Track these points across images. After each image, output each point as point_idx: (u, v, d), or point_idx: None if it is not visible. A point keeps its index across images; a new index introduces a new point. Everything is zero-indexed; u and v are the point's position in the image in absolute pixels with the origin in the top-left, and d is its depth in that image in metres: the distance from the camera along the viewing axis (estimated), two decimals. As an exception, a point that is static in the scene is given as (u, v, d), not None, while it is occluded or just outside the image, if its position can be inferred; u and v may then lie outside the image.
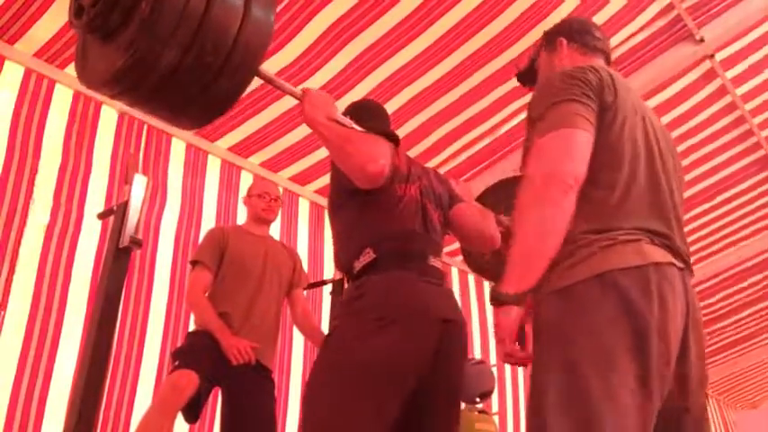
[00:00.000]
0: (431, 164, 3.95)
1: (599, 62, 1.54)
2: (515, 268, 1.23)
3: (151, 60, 1.28)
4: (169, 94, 1.39)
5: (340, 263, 1.82)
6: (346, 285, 1.78)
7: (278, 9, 2.81)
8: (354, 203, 1.74)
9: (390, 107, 3.48)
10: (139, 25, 1.26)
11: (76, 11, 1.37)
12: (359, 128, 1.86)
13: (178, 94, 1.40)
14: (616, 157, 1.29)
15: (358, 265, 1.68)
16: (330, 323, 1.72)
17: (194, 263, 2.67)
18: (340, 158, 1.70)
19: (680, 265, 1.26)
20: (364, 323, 1.56)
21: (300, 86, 3.13)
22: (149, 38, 1.26)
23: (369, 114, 2.00)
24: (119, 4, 1.28)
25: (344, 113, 2.04)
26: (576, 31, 1.60)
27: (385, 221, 1.70)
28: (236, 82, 1.43)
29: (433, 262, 1.69)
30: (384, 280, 1.61)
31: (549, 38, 1.65)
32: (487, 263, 2.65)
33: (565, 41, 1.59)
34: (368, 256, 1.66)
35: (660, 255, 1.23)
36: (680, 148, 4.32)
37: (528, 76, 1.71)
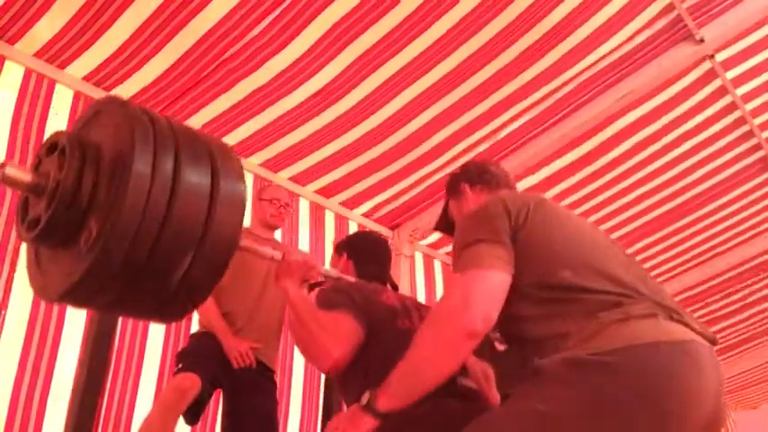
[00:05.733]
0: (433, 165, 3.95)
1: (504, 192, 1.60)
2: (390, 388, 1.26)
3: (92, 292, 1.12)
4: (122, 313, 1.34)
5: (343, 400, 1.76)
6: None
7: (279, 10, 2.81)
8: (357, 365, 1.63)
9: (392, 108, 3.48)
10: (77, 257, 1.10)
11: (23, 219, 1.20)
12: (349, 277, 1.80)
13: (128, 312, 1.32)
14: (555, 257, 1.30)
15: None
16: None
17: None
18: (298, 344, 1.67)
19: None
20: None
21: (302, 87, 3.19)
22: (89, 273, 1.07)
23: (365, 254, 1.96)
24: (60, 228, 1.11)
25: (341, 245, 2.02)
26: (475, 175, 1.70)
27: (390, 360, 1.55)
28: (186, 307, 1.27)
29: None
30: None
31: (453, 187, 1.74)
32: None
33: (467, 186, 1.68)
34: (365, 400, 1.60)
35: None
36: (679, 150, 4.33)
37: (445, 225, 1.77)
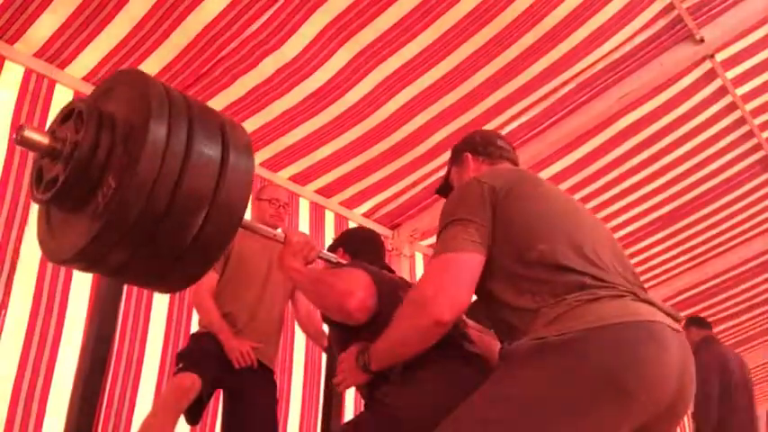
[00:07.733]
0: (433, 165, 3.94)
1: (504, 166, 1.64)
2: (376, 356, 1.46)
3: (106, 249, 1.15)
4: (129, 276, 1.32)
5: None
6: None
7: (276, 6, 2.81)
8: (370, 328, 1.61)
9: (392, 107, 3.48)
10: (93, 215, 1.12)
11: (37, 179, 1.22)
12: (343, 261, 1.86)
13: (139, 275, 1.30)
14: (534, 230, 1.31)
15: None
16: None
17: None
18: (319, 302, 1.73)
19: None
20: None
21: (301, 85, 3.19)
22: (107, 226, 1.10)
23: (360, 245, 2.02)
24: (77, 187, 1.14)
25: (335, 243, 2.08)
26: (479, 145, 1.71)
27: None
28: (197, 268, 1.29)
29: None
30: None
31: (456, 154, 1.75)
32: None
33: (470, 156, 1.70)
34: None
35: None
36: (680, 150, 4.33)
37: (446, 190, 1.80)
